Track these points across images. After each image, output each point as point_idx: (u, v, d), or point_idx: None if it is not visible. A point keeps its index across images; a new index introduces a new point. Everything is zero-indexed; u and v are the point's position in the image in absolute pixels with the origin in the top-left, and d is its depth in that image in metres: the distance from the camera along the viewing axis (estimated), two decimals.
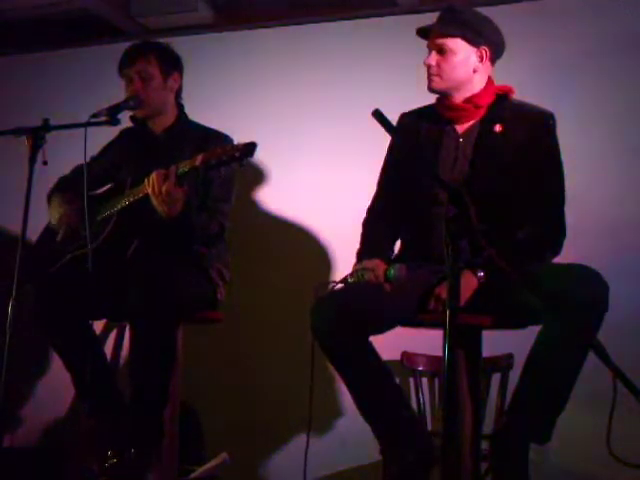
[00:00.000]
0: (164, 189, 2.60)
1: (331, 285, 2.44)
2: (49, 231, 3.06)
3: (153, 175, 2.64)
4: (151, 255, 2.80)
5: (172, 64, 3.01)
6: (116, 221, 2.82)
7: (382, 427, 2.40)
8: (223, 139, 2.97)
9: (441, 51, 2.54)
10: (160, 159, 2.90)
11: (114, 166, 3.07)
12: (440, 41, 2.54)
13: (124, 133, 3.10)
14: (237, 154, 2.49)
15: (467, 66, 2.55)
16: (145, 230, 2.83)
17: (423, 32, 2.60)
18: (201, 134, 2.99)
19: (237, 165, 2.56)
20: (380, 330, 2.41)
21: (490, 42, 2.56)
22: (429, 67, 2.56)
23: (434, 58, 2.55)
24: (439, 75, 2.55)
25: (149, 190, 2.64)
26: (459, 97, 2.58)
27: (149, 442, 2.65)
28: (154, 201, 2.64)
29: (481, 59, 2.55)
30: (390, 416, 2.38)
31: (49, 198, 3.11)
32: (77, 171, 3.08)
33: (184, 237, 2.81)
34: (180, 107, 3.07)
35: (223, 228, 2.91)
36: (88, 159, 2.77)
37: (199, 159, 2.57)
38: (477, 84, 2.58)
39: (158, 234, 2.80)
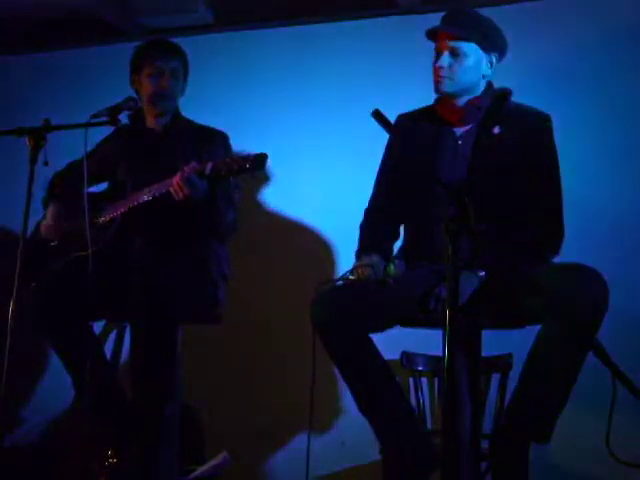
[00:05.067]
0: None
1: (332, 282, 2.45)
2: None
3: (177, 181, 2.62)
4: (152, 255, 2.80)
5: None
6: (120, 222, 2.81)
7: (380, 425, 2.40)
8: (221, 137, 3.00)
9: (455, 54, 2.51)
10: (159, 157, 2.92)
11: (109, 162, 3.07)
12: (455, 44, 2.50)
13: (120, 130, 3.07)
14: (248, 165, 2.48)
15: (478, 71, 2.54)
16: (152, 225, 2.82)
17: (433, 33, 2.56)
18: (199, 132, 3.01)
19: (249, 176, 2.54)
20: (379, 327, 2.41)
21: (499, 49, 2.57)
22: (440, 69, 2.52)
23: (447, 60, 2.51)
24: (450, 77, 2.52)
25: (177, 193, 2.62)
26: (463, 100, 2.57)
27: (149, 442, 2.65)
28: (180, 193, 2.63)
29: (491, 65, 2.56)
30: (389, 414, 2.38)
31: (44, 203, 3.10)
32: (72, 168, 3.10)
33: (207, 223, 2.81)
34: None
35: (236, 219, 2.90)
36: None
37: (208, 167, 2.57)
38: (481, 88, 2.58)
39: (167, 228, 2.80)
